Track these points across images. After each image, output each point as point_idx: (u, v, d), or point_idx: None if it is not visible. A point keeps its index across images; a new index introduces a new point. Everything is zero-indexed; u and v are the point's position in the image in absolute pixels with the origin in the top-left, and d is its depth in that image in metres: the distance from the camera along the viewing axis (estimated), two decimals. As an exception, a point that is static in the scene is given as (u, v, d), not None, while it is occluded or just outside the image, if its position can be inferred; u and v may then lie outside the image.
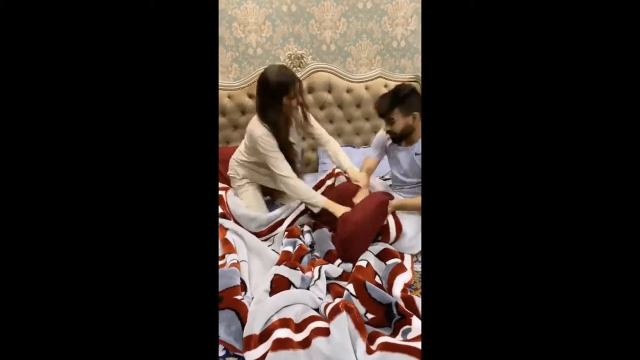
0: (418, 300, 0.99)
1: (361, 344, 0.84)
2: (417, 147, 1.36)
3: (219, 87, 1.87)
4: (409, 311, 0.95)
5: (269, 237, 1.40)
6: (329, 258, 1.21)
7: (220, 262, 1.18)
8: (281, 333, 0.87)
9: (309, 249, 1.26)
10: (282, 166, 1.34)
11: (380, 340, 0.87)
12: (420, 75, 1.96)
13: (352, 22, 1.92)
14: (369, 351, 0.84)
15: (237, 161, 1.52)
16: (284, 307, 0.96)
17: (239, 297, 0.99)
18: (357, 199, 1.35)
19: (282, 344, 0.84)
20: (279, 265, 1.14)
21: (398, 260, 1.16)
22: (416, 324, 0.91)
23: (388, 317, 0.97)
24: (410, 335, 0.89)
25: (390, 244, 1.26)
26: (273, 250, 1.31)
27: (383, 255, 1.19)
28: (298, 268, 1.12)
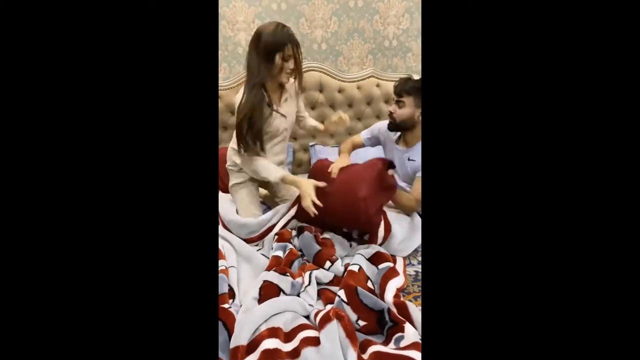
0: (411, 306, 0.97)
1: (352, 354, 0.82)
2: (412, 152, 1.34)
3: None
4: (401, 318, 0.93)
5: (258, 242, 1.37)
6: (318, 262, 1.18)
7: None
8: (270, 343, 0.84)
9: (299, 253, 1.23)
10: (236, 140, 1.21)
11: (372, 349, 0.84)
12: (413, 75, 1.95)
13: (343, 20, 1.90)
14: (361, 361, 0.82)
15: (234, 149, 1.40)
16: (273, 315, 0.93)
17: (226, 306, 0.96)
18: (334, 169, 1.27)
19: (270, 355, 0.81)
20: (269, 270, 1.11)
21: (390, 264, 1.14)
22: (409, 331, 0.88)
23: (380, 324, 0.94)
24: (403, 343, 0.87)
25: (379, 245, 1.24)
26: (262, 254, 1.28)
27: (375, 259, 1.16)
28: (288, 274, 1.09)
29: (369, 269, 1.14)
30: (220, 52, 1.84)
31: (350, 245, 1.27)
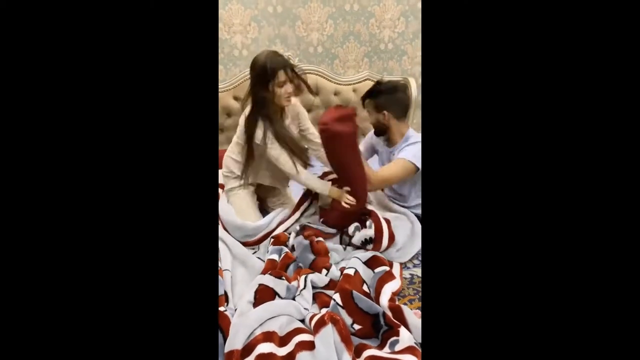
0: (406, 310, 0.97)
1: (347, 358, 0.82)
2: (397, 150, 1.35)
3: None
4: (396, 322, 0.93)
5: (255, 246, 1.36)
6: (313, 269, 1.17)
7: None
8: (264, 348, 0.84)
9: (295, 256, 1.23)
10: (283, 161, 1.25)
11: (367, 353, 0.85)
12: (409, 78, 1.96)
13: (339, 24, 1.90)
14: (356, 365, 0.82)
15: (232, 158, 1.42)
16: (268, 319, 0.93)
17: (221, 309, 0.95)
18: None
19: (265, 360, 0.81)
20: (264, 274, 1.11)
21: (386, 267, 1.14)
22: (404, 336, 0.88)
23: (375, 327, 0.94)
24: (397, 347, 0.87)
25: (380, 252, 1.24)
26: (258, 258, 1.27)
27: (371, 263, 1.17)
28: (283, 277, 1.09)
29: (365, 273, 1.14)
30: (216, 54, 1.84)
31: (345, 249, 1.27)
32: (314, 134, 1.44)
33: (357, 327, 0.95)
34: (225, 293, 1.05)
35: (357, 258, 1.18)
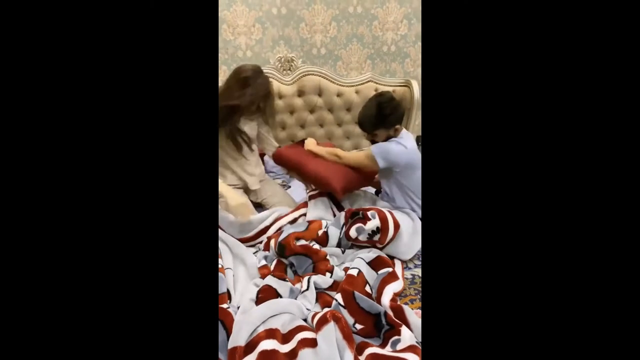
0: (407, 310, 0.98)
1: (349, 356, 0.82)
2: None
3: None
4: (398, 321, 0.94)
5: (255, 244, 1.37)
6: (316, 273, 1.18)
7: None
8: (267, 345, 0.84)
9: (286, 262, 1.22)
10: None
11: (368, 351, 0.85)
12: (412, 80, 1.97)
13: (342, 26, 1.92)
14: (357, 363, 0.82)
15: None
16: (271, 317, 0.93)
17: (224, 306, 0.96)
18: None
19: (268, 356, 0.82)
20: (263, 278, 1.12)
21: (390, 269, 1.15)
22: (405, 335, 0.89)
23: (377, 327, 0.95)
24: (399, 346, 0.88)
25: (386, 244, 1.23)
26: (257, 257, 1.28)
27: (375, 264, 1.17)
28: (287, 279, 1.10)
29: (369, 274, 1.14)
30: (220, 55, 1.85)
31: (343, 252, 1.26)
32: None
33: (359, 326, 0.96)
34: (228, 291, 1.06)
35: (361, 258, 1.18)
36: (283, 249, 1.20)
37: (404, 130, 1.40)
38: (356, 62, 2.01)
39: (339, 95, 1.98)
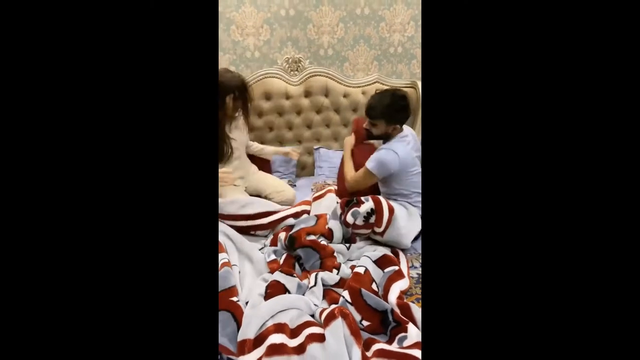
0: (414, 307, 0.98)
1: (357, 351, 0.83)
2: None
3: (216, 89, 1.86)
4: (404, 318, 0.95)
5: (259, 236, 1.38)
6: (323, 269, 1.19)
7: None
8: (276, 338, 0.86)
9: (294, 254, 1.24)
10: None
11: (376, 347, 0.86)
12: (418, 81, 1.98)
13: (349, 27, 1.93)
14: (365, 358, 0.83)
15: None
16: (279, 312, 0.95)
17: (234, 299, 0.98)
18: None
19: (276, 350, 0.83)
20: (272, 273, 1.13)
21: (396, 267, 1.16)
22: (412, 332, 0.90)
23: (384, 324, 0.96)
24: (406, 343, 0.88)
25: (384, 230, 1.24)
26: (263, 253, 1.30)
27: (381, 263, 1.18)
28: (295, 275, 1.11)
29: (375, 272, 1.15)
30: (228, 56, 1.88)
31: (349, 249, 1.28)
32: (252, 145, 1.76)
33: (365, 323, 0.97)
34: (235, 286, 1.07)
35: (367, 257, 1.19)
36: (293, 242, 1.22)
37: (398, 135, 1.43)
38: (363, 63, 2.03)
39: (345, 96, 1.99)
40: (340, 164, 1.66)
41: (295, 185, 1.94)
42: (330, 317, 0.89)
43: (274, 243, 1.31)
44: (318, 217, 1.32)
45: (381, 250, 1.22)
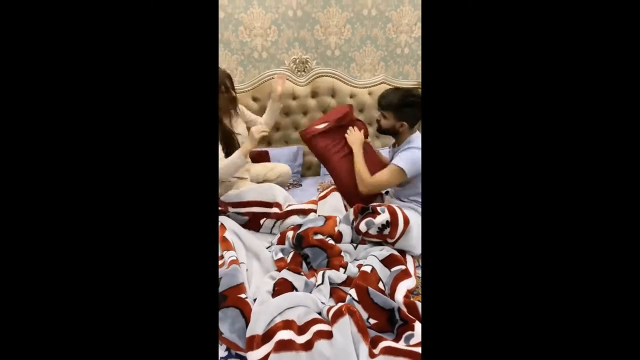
0: (420, 306, 0.99)
1: (364, 348, 0.84)
2: (398, 149, 1.44)
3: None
4: (411, 317, 0.95)
5: (264, 229, 1.41)
6: (330, 268, 1.20)
7: (219, 262, 1.18)
8: (284, 335, 0.86)
9: (301, 253, 1.25)
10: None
11: (382, 344, 0.87)
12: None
13: (357, 28, 1.94)
14: (372, 355, 0.84)
15: None
16: (287, 308, 0.96)
17: (242, 296, 0.99)
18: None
19: (284, 346, 0.84)
20: (280, 271, 1.14)
21: (403, 267, 1.16)
22: (419, 330, 0.90)
23: (390, 322, 0.96)
24: (413, 341, 0.89)
25: (397, 239, 1.25)
26: (271, 252, 1.31)
27: (388, 262, 1.18)
28: (302, 273, 1.12)
29: (382, 271, 1.16)
30: (236, 56, 1.90)
31: (355, 248, 1.29)
32: (254, 120, 1.73)
33: (372, 321, 0.97)
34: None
35: (374, 256, 1.20)
36: (300, 240, 1.23)
37: (417, 134, 1.43)
38: (369, 64, 2.03)
39: (352, 96, 2.00)
40: (336, 163, 1.53)
41: (300, 185, 1.95)
42: (338, 315, 0.90)
43: (281, 242, 1.32)
44: (326, 218, 1.32)
45: (388, 250, 1.22)
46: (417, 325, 0.92)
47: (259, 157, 1.89)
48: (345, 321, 0.88)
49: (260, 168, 1.78)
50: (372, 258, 1.19)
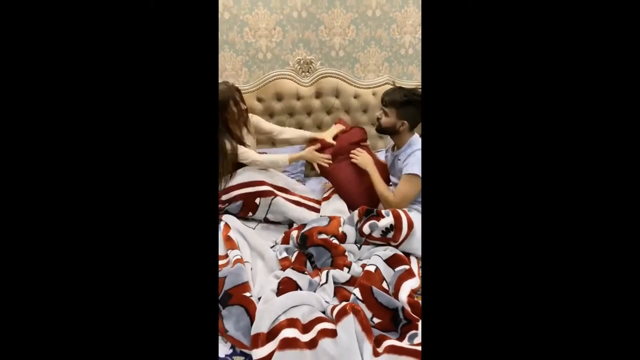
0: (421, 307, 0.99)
1: (368, 346, 0.84)
2: (400, 153, 1.45)
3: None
4: (415, 316, 0.95)
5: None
6: (334, 267, 1.20)
7: (224, 261, 1.19)
8: (288, 333, 0.87)
9: (306, 252, 1.25)
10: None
11: (387, 343, 0.87)
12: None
13: (361, 29, 1.95)
14: (376, 354, 0.84)
15: None
16: (291, 307, 0.96)
17: (247, 294, 1.00)
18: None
19: (289, 344, 0.85)
20: (284, 270, 1.15)
21: (407, 266, 1.16)
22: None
23: (394, 321, 0.97)
24: (416, 340, 0.89)
25: (401, 242, 1.25)
26: (275, 251, 1.31)
27: (392, 262, 1.19)
28: (306, 272, 1.13)
29: (386, 271, 1.16)
30: (241, 57, 1.91)
31: (359, 248, 1.29)
32: (274, 130, 1.77)
33: (376, 320, 0.98)
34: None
35: (378, 256, 1.20)
36: (305, 240, 1.24)
37: (417, 136, 1.44)
38: (374, 65, 2.04)
39: (356, 97, 2.01)
40: (335, 172, 1.58)
41: (304, 185, 1.96)
42: (342, 313, 0.90)
43: (285, 241, 1.32)
44: (331, 218, 1.33)
45: (392, 250, 1.23)
46: (421, 325, 0.92)
47: None
48: (350, 320, 0.88)
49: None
50: (376, 258, 1.19)
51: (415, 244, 1.26)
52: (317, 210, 1.53)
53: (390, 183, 1.56)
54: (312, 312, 0.96)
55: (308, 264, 1.22)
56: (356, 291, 1.04)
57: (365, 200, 1.48)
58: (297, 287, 1.07)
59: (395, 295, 1.07)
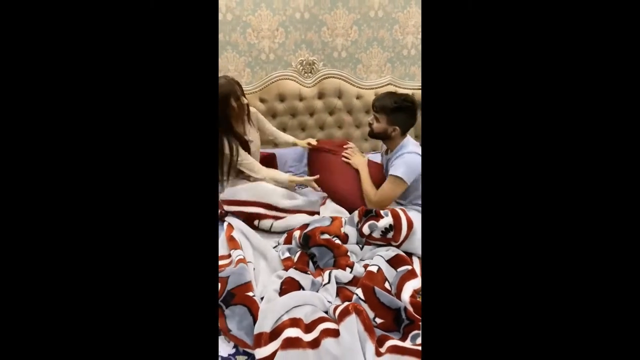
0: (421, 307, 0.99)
1: (370, 346, 0.85)
2: (391, 156, 1.47)
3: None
4: (417, 316, 0.95)
5: (274, 232, 1.42)
6: (337, 267, 1.20)
7: (226, 261, 1.19)
8: (291, 332, 0.87)
9: (308, 252, 1.25)
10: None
11: (389, 343, 0.87)
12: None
13: (363, 30, 1.95)
14: (378, 353, 0.84)
15: None
16: (294, 307, 0.97)
17: (250, 294, 1.00)
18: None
19: (291, 343, 0.85)
20: (287, 270, 1.15)
21: (409, 267, 1.16)
22: (425, 329, 0.91)
23: (397, 321, 0.97)
24: (419, 340, 0.89)
25: (402, 242, 1.25)
26: (278, 251, 1.32)
27: (394, 262, 1.19)
28: (309, 272, 1.13)
29: (388, 271, 1.16)
30: (244, 58, 1.92)
31: (362, 249, 1.29)
32: (273, 133, 1.78)
33: (379, 320, 0.98)
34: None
35: (380, 256, 1.20)
36: (307, 240, 1.24)
37: (408, 138, 1.45)
38: (376, 65, 2.04)
39: (358, 97, 2.01)
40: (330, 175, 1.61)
41: (306, 186, 1.96)
42: (345, 313, 0.91)
43: (288, 241, 1.33)
44: (333, 218, 1.34)
45: (394, 250, 1.23)
46: (421, 324, 0.92)
47: (267, 160, 1.87)
48: (352, 320, 0.89)
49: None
50: (378, 258, 1.19)
51: (416, 244, 1.26)
52: (317, 214, 1.53)
53: None
54: (314, 312, 0.96)
55: (310, 264, 1.22)
56: (359, 291, 1.04)
57: (359, 201, 1.49)
58: (299, 287, 1.07)
59: (398, 295, 1.07)
